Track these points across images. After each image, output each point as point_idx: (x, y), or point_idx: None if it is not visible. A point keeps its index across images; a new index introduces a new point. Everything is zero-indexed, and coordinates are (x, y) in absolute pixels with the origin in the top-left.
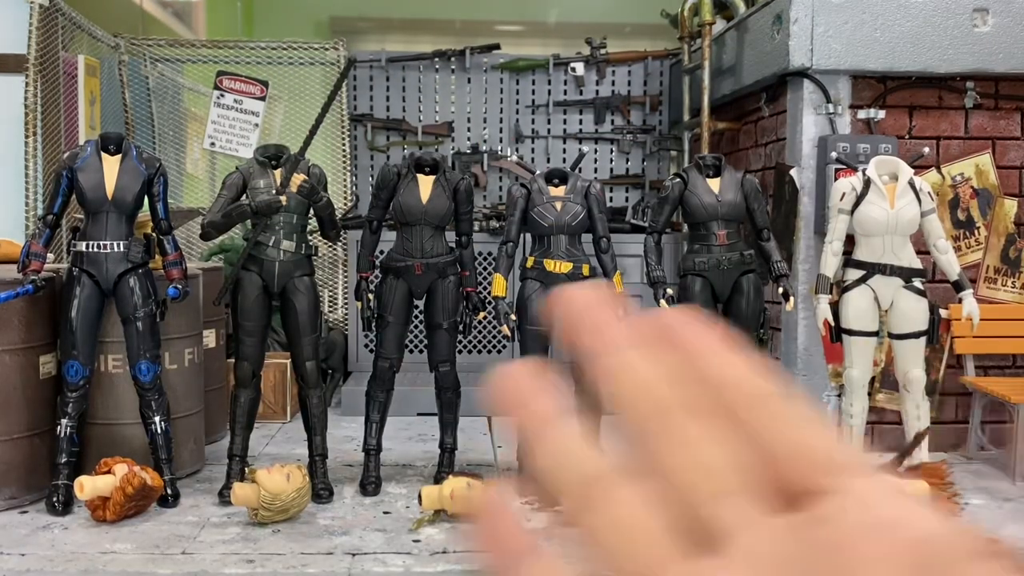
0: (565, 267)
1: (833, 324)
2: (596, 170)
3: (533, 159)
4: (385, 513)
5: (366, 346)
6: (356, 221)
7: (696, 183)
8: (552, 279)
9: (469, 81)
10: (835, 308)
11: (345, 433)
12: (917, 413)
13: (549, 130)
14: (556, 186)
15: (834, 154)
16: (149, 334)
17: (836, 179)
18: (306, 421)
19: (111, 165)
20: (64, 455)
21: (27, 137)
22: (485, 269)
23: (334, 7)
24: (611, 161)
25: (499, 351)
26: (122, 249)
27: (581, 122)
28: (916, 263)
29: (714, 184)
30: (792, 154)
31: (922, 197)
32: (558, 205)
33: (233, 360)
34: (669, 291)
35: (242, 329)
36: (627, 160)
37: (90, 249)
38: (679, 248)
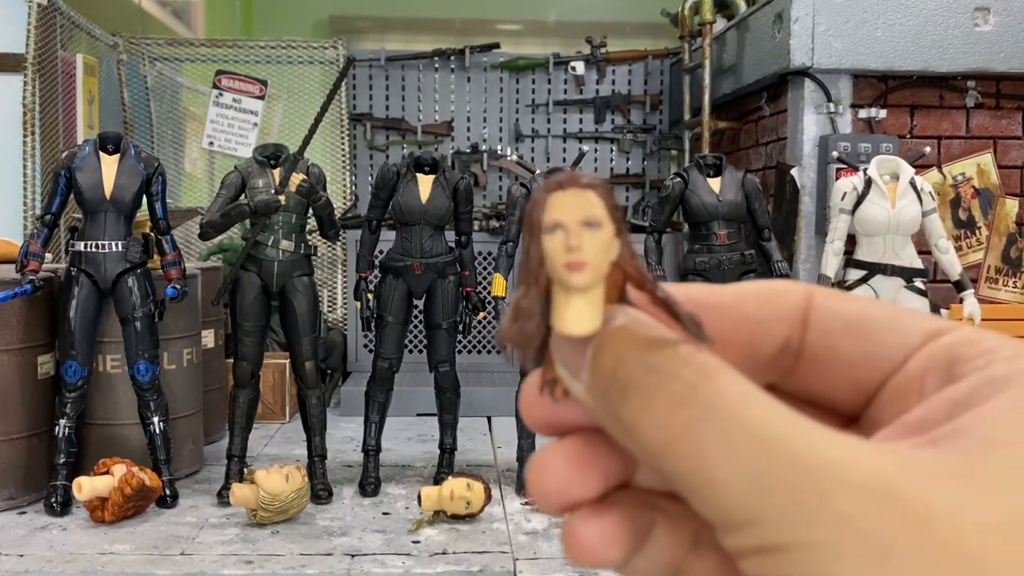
0: None
1: None
2: (596, 170)
3: (533, 159)
4: (384, 514)
5: (365, 346)
6: (355, 221)
7: (697, 183)
8: None
9: (469, 80)
10: None
11: (344, 433)
12: None
13: (549, 129)
14: None
15: (835, 153)
16: (147, 334)
17: (837, 179)
18: (305, 422)
19: (109, 164)
20: (62, 456)
21: (25, 136)
22: (485, 269)
23: (333, 6)
24: (611, 161)
25: (499, 351)
26: (120, 249)
27: (581, 121)
28: (917, 263)
29: (715, 184)
30: (793, 153)
31: (923, 197)
32: None
33: (232, 360)
34: None
35: (241, 329)
36: (627, 160)
37: (88, 249)
38: (679, 248)
